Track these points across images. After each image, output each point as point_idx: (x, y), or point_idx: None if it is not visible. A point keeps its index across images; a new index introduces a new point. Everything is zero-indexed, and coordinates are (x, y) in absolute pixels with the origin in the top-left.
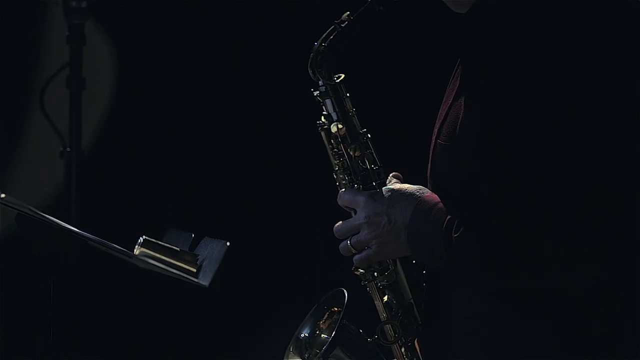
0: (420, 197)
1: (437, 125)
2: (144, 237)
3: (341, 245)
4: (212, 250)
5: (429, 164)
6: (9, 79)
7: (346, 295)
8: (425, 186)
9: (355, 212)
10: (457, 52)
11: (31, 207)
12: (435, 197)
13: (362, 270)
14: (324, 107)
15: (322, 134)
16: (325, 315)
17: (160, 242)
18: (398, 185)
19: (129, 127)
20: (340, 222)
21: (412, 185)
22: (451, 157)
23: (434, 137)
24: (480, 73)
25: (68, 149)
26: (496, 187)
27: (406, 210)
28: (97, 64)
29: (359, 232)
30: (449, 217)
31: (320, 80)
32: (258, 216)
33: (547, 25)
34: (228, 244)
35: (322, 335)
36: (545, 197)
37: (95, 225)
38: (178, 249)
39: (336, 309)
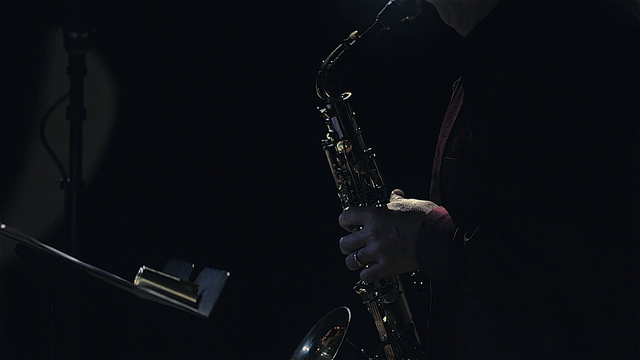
0: (429, 210)
1: (443, 142)
2: (144, 267)
3: (347, 258)
4: (213, 281)
5: (435, 181)
6: (10, 109)
7: (349, 314)
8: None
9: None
10: (460, 71)
11: (31, 238)
12: (443, 211)
13: (363, 290)
14: (329, 125)
15: (326, 152)
16: (327, 333)
17: (160, 273)
18: (406, 200)
19: (129, 157)
20: (346, 236)
21: (420, 200)
22: (463, 172)
23: (439, 154)
24: (492, 88)
25: (68, 180)
26: (514, 195)
27: (415, 224)
28: (97, 95)
29: (366, 246)
30: (458, 229)
31: (327, 98)
32: (260, 237)
33: (559, 38)
34: (228, 274)
35: (323, 353)
36: (563, 208)
37: (95, 255)
38: (178, 279)
39: (338, 327)
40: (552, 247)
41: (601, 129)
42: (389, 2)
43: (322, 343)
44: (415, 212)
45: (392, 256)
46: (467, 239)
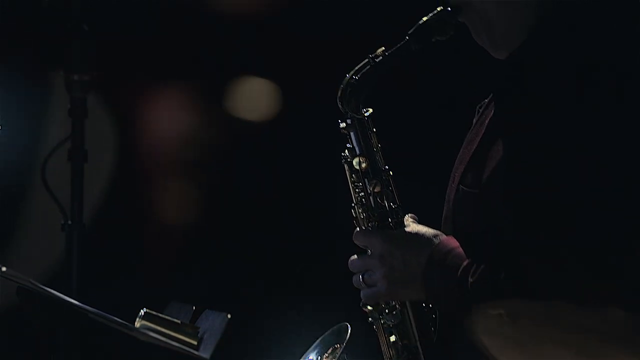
0: (437, 242)
1: (460, 169)
2: (145, 309)
3: (354, 277)
4: (213, 323)
5: (447, 208)
6: (12, 151)
7: (349, 330)
8: (440, 229)
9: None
10: (484, 97)
11: (32, 280)
12: (452, 242)
13: (370, 308)
14: (349, 139)
15: (345, 166)
16: (329, 350)
17: (161, 315)
18: (416, 228)
19: (130, 200)
20: (356, 256)
21: (429, 229)
22: (476, 205)
23: (454, 182)
24: (516, 122)
25: (69, 222)
26: (523, 236)
27: (422, 254)
28: (98, 137)
29: (372, 270)
30: (465, 262)
31: (347, 112)
32: (262, 262)
33: (592, 73)
34: (229, 316)
35: None
36: (572, 256)
37: (96, 298)
38: (179, 321)
39: (338, 345)
40: (557, 295)
41: (619, 179)
42: (421, 21)
43: None
44: (424, 242)
45: (394, 284)
46: (471, 279)
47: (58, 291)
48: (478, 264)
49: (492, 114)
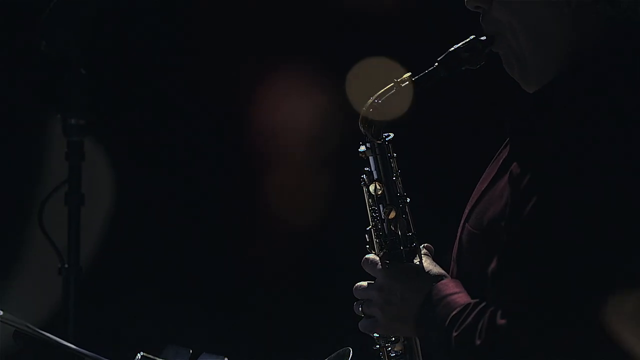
0: (436, 284)
1: (469, 206)
2: (142, 353)
3: (355, 304)
4: None
5: (455, 245)
6: (8, 195)
7: (351, 355)
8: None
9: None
10: (505, 134)
11: (29, 324)
12: (450, 287)
13: (377, 334)
14: (368, 164)
15: (364, 189)
16: None
17: (158, 359)
18: (423, 263)
19: (127, 243)
20: (360, 284)
21: (436, 267)
22: (479, 246)
23: (463, 219)
24: (526, 168)
25: (66, 266)
26: (509, 295)
27: (420, 294)
28: (95, 181)
29: (371, 300)
30: (455, 312)
31: (368, 136)
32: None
33: (616, 125)
34: (226, 359)
35: None
36: (555, 322)
37: (93, 342)
38: None
39: None
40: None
41: (621, 244)
42: (452, 49)
43: None
44: (425, 281)
45: (390, 319)
46: (455, 333)
47: (55, 335)
48: (467, 315)
49: (507, 152)
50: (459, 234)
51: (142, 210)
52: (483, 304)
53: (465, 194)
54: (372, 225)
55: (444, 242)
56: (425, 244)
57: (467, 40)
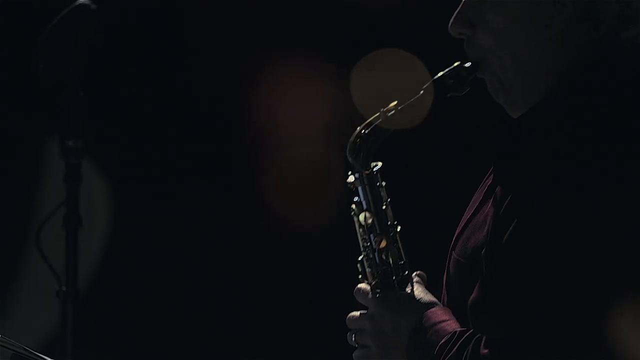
0: (426, 312)
1: (456, 234)
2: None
3: (348, 334)
4: None
5: (445, 272)
6: (6, 218)
7: None
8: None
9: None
10: (492, 161)
11: (26, 347)
12: (439, 315)
13: None
14: (357, 194)
15: (355, 219)
16: None
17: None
18: (415, 292)
19: (125, 266)
20: (353, 314)
21: (427, 295)
22: (463, 274)
23: (451, 247)
24: (508, 196)
25: (64, 288)
26: (492, 324)
27: (410, 323)
28: (93, 203)
29: (364, 330)
30: (443, 340)
31: (356, 166)
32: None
33: (603, 146)
34: None
35: None
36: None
37: None
38: None
39: None
40: None
41: (613, 281)
42: (436, 76)
43: None
44: (415, 310)
45: (382, 348)
46: None
47: (53, 358)
48: (453, 344)
49: (492, 179)
50: (447, 262)
51: (140, 232)
52: (469, 332)
53: (456, 221)
54: (363, 255)
55: (436, 269)
56: (418, 272)
57: (452, 67)
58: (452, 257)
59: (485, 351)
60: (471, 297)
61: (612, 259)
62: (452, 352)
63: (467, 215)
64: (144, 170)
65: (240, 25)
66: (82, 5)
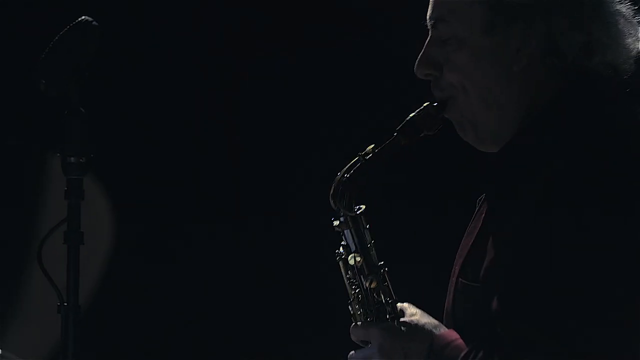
0: (437, 333)
1: (459, 262)
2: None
3: None
4: None
5: (448, 301)
6: (8, 234)
7: None
8: (442, 322)
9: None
10: (481, 191)
11: None
12: (452, 335)
13: None
14: (343, 237)
15: (340, 263)
16: None
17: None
18: (415, 318)
19: (127, 282)
20: (354, 353)
21: (429, 321)
22: (475, 298)
23: (454, 274)
24: (512, 216)
25: (65, 304)
26: (513, 333)
27: (422, 346)
28: (95, 219)
29: None
30: (463, 354)
31: (340, 210)
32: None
33: (583, 170)
34: None
35: None
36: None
37: None
38: None
39: None
40: None
41: (618, 283)
42: (408, 117)
43: None
44: (424, 334)
45: None
46: None
47: None
48: (476, 353)
49: (487, 207)
50: (452, 290)
51: (142, 248)
52: (488, 345)
53: (438, 258)
54: (353, 298)
55: (423, 307)
56: (406, 303)
57: (422, 107)
58: (459, 283)
59: (514, 354)
60: (493, 309)
61: (611, 269)
62: (477, 358)
63: (467, 242)
64: (145, 186)
65: (240, 39)
66: (84, 22)
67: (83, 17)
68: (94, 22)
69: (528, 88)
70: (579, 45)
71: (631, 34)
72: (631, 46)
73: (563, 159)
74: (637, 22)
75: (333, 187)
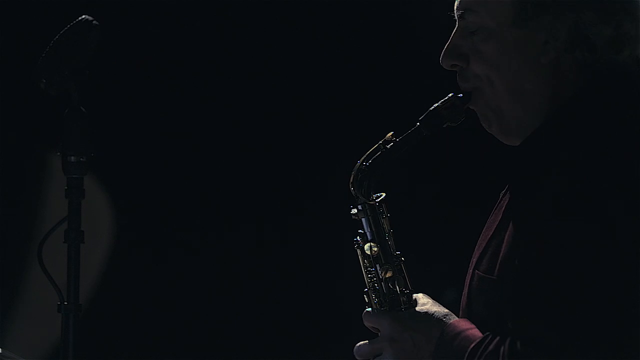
0: (447, 322)
1: (476, 255)
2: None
3: None
4: None
5: (464, 294)
6: (9, 233)
7: None
8: (458, 314)
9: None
10: (503, 183)
11: None
12: (462, 324)
13: None
14: (361, 225)
15: (358, 251)
16: None
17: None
18: (426, 307)
19: (127, 281)
20: (361, 343)
21: (440, 308)
22: (489, 290)
23: (471, 267)
24: (530, 211)
25: (66, 303)
26: (524, 328)
27: (432, 336)
28: (95, 218)
29: (382, 354)
30: (473, 345)
31: (359, 198)
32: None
33: (607, 166)
34: None
35: None
36: (581, 345)
37: None
38: None
39: None
40: None
41: (635, 284)
42: (432, 107)
43: None
44: (434, 323)
45: None
46: None
47: None
48: (487, 344)
49: (508, 200)
50: (467, 282)
51: (142, 248)
52: (499, 339)
53: (457, 249)
54: (369, 286)
55: (439, 298)
56: (421, 294)
57: (446, 98)
58: (476, 275)
59: (522, 349)
60: (506, 304)
61: (632, 261)
62: (487, 351)
63: (486, 234)
64: (145, 186)
65: (238, 42)
66: (84, 21)
67: (83, 17)
68: (94, 22)
69: (555, 81)
70: (607, 38)
71: None
72: None
73: (585, 154)
74: None
75: (352, 175)
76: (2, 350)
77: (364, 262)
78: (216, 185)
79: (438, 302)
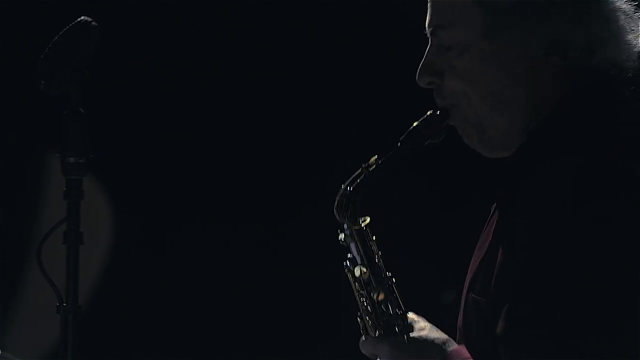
0: (447, 351)
1: (469, 276)
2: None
3: None
4: None
5: (460, 315)
6: (7, 234)
7: None
8: (454, 337)
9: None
10: (492, 200)
11: None
12: (462, 352)
13: None
14: (349, 250)
15: (349, 275)
16: None
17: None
18: (424, 334)
19: (126, 282)
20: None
21: (439, 335)
22: (488, 313)
23: (465, 289)
24: (520, 230)
25: (64, 304)
26: (516, 352)
27: None
28: (94, 219)
29: None
30: None
31: (345, 223)
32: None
33: (600, 188)
34: None
35: None
36: None
37: None
38: None
39: None
40: None
41: (632, 302)
42: (412, 127)
43: None
44: (434, 352)
45: None
46: None
47: None
48: None
49: (497, 218)
50: (463, 304)
51: (141, 248)
52: None
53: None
54: (363, 309)
55: (431, 319)
56: (414, 314)
57: (425, 115)
58: (470, 298)
59: None
60: (499, 328)
61: (630, 278)
62: None
63: (478, 255)
64: (145, 186)
65: (238, 43)
66: (84, 22)
67: (83, 17)
68: (93, 22)
69: (534, 89)
70: (580, 42)
71: (633, 30)
72: (633, 42)
73: (574, 163)
74: (639, 18)
75: (337, 200)
76: (1, 351)
77: (354, 285)
78: (215, 186)
79: (436, 302)
